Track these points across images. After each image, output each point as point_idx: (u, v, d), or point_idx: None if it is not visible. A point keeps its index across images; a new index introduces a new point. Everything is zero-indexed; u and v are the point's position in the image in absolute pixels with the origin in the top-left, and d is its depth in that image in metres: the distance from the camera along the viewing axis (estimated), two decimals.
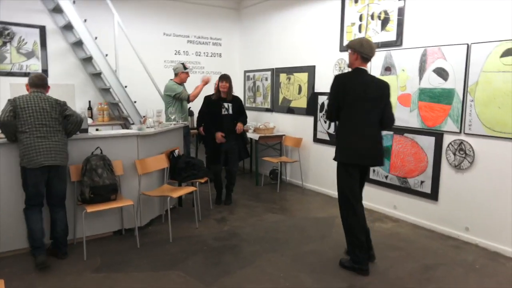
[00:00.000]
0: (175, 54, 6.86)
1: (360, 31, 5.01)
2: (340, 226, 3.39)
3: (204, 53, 7.17)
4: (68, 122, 3.45)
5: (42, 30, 5.66)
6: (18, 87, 5.43)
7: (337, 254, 3.59)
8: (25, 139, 3.23)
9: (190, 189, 4.26)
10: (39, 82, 3.49)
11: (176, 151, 4.62)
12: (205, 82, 5.62)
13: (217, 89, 5.01)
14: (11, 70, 5.48)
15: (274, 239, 3.97)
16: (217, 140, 4.91)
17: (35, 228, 3.32)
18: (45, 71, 5.68)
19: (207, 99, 5.16)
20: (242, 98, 7.20)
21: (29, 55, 5.61)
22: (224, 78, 4.98)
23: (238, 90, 7.22)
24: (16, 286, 3.00)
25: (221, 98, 5.01)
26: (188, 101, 5.59)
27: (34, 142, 3.23)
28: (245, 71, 7.38)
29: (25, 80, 5.53)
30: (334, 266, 3.39)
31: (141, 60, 5.67)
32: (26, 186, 3.29)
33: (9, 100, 3.31)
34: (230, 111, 5.05)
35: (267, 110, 6.84)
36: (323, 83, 5.60)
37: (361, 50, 3.28)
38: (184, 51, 6.95)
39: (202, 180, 4.52)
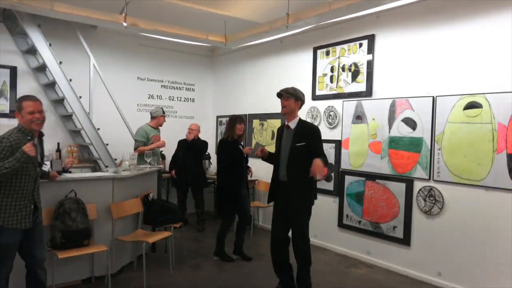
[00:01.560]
0: (149, 98, 6.90)
1: (332, 81, 5.28)
2: (315, 271, 3.49)
3: (177, 97, 7.25)
4: None
5: (13, 70, 5.57)
6: None
7: None
8: None
9: (166, 234, 4.15)
10: None
11: (151, 195, 4.54)
12: (158, 146, 5.47)
13: (234, 131, 4.57)
14: None
15: (254, 287, 3.89)
16: (246, 151, 4.58)
17: None
18: (13, 111, 5.51)
19: (228, 141, 4.58)
20: (214, 143, 7.29)
21: None
22: (242, 120, 4.69)
23: (210, 135, 7.29)
24: None
25: (238, 141, 4.67)
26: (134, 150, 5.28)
27: None
28: (218, 116, 7.48)
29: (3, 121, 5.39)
30: None
31: (115, 103, 5.66)
32: None
33: None
34: (245, 155, 4.79)
35: None
36: None
37: (303, 100, 3.65)
38: (157, 95, 7.00)
39: (177, 225, 4.43)
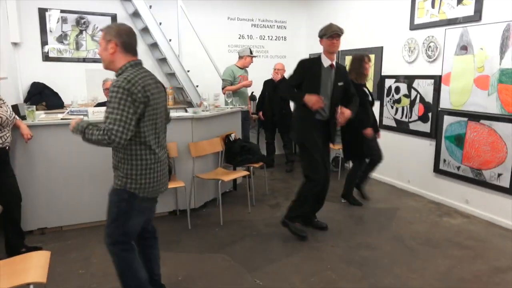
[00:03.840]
0: (239, 38, 6.83)
1: (433, 6, 4.55)
2: (401, 218, 3.19)
3: (268, 36, 7.05)
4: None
5: (114, 18, 5.94)
6: (92, 72, 5.79)
7: (393, 249, 3.35)
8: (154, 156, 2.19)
9: (243, 173, 4.23)
10: (135, 42, 2.15)
11: (233, 135, 4.61)
12: (245, 85, 5.44)
13: (363, 72, 4.20)
14: (86, 57, 5.84)
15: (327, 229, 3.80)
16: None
17: (141, 274, 2.31)
18: None
19: (356, 84, 4.00)
20: None
21: None
22: (369, 58, 4.31)
23: None
24: (74, 257, 3.20)
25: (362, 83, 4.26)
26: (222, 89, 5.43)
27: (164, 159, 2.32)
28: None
29: (98, 66, 5.93)
30: (387, 261, 3.15)
31: (203, 44, 5.72)
32: (129, 219, 2.19)
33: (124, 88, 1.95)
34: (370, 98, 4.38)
35: None
36: (391, 66, 5.20)
37: None
38: (248, 35, 6.90)
39: (257, 165, 4.47)
